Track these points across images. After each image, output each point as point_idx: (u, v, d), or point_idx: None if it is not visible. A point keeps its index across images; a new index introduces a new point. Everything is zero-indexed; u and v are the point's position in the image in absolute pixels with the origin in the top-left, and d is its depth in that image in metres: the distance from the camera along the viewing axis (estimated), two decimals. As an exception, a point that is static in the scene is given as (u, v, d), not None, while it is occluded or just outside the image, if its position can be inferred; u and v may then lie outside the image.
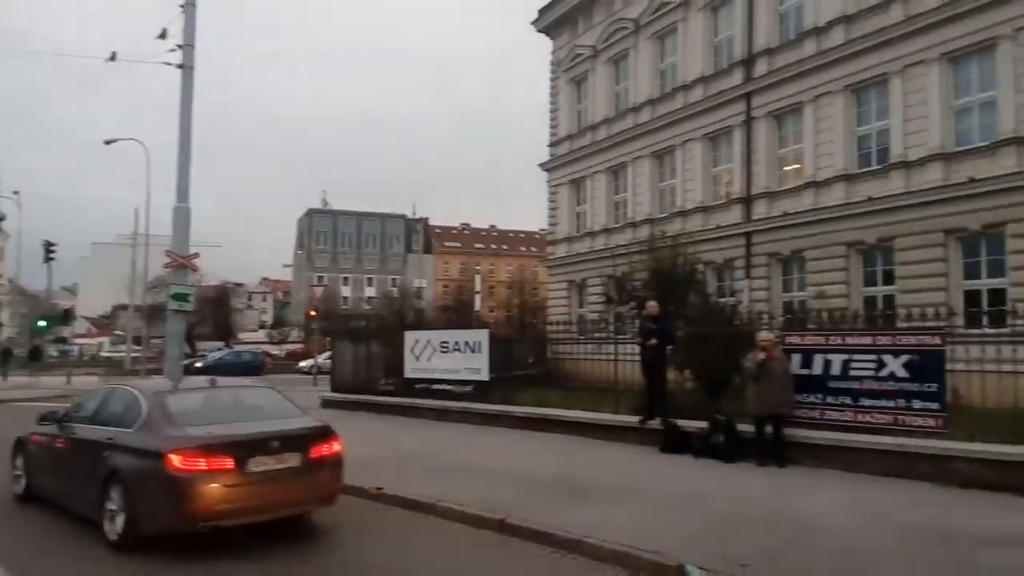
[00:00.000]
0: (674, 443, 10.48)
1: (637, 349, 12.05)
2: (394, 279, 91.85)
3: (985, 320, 13.96)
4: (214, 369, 32.21)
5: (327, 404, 18.33)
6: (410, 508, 8.09)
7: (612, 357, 13.02)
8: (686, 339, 12.95)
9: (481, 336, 15.64)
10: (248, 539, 6.51)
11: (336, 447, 7.16)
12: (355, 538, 7.09)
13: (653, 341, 11.29)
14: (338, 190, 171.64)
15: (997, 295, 15.36)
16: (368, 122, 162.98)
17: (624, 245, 18.06)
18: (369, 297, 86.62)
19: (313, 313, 47.53)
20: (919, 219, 16.82)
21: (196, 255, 13.54)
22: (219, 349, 47.91)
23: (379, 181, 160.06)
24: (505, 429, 13.60)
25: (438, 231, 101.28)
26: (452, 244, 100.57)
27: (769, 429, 9.89)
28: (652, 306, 11.75)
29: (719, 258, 21.89)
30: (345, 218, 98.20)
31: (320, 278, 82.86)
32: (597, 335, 14.45)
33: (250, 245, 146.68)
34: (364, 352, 19.12)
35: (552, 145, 30.28)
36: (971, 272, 16.32)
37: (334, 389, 19.42)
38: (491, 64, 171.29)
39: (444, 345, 15.91)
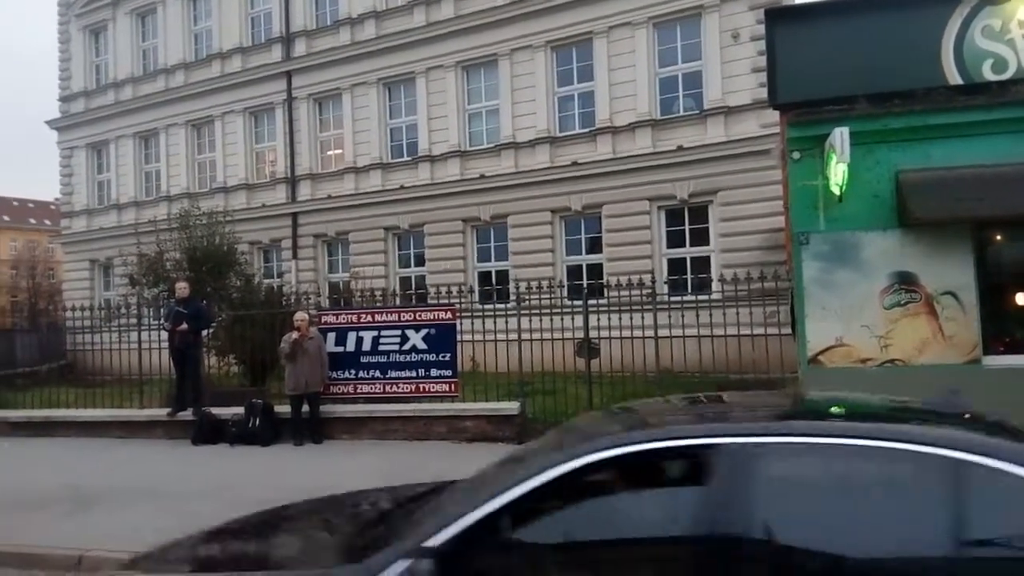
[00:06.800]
0: (207, 433, 9.92)
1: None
2: None
3: (495, 296, 16.33)
4: None
5: None
6: None
7: (139, 346, 11.84)
8: (229, 323, 12.43)
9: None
10: None
11: None
12: None
13: (184, 326, 10.49)
14: None
15: (503, 275, 18.04)
16: None
17: (158, 221, 16.40)
18: None
19: None
20: (443, 208, 18.87)
21: None
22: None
23: None
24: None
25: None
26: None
27: (306, 408, 10.05)
28: (182, 288, 10.95)
29: (265, 238, 21.47)
30: None
31: None
32: (122, 322, 12.97)
33: None
34: None
35: (64, 100, 25.83)
36: (483, 256, 18.93)
37: None
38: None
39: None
